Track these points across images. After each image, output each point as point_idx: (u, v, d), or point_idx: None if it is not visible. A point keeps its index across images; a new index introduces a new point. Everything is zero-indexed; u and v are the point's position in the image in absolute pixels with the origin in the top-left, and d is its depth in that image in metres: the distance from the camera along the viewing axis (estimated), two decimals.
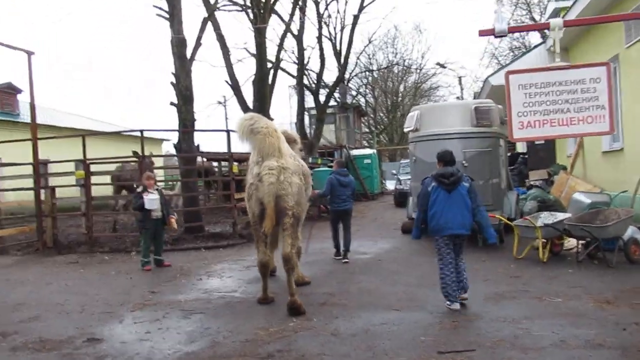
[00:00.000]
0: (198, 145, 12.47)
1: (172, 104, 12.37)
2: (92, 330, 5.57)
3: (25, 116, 24.58)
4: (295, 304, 5.90)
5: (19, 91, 24.49)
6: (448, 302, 5.83)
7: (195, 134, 12.76)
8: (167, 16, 12.39)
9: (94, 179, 11.59)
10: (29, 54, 11.53)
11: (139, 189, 9.29)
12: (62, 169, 13.22)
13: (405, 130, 11.18)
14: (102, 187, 15.39)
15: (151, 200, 8.96)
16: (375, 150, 27.17)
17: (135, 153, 12.19)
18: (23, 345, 5.14)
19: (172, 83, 12.36)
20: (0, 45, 11.10)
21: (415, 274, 7.82)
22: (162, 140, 29.72)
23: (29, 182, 11.66)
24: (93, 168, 11.49)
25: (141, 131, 11.47)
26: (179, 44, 12.25)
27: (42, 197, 11.51)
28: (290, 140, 7.85)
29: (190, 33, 19.64)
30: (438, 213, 5.86)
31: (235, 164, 12.16)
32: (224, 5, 16.52)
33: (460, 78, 36.62)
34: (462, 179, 5.95)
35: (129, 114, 67.50)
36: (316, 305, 6.21)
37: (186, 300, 6.76)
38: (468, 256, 8.73)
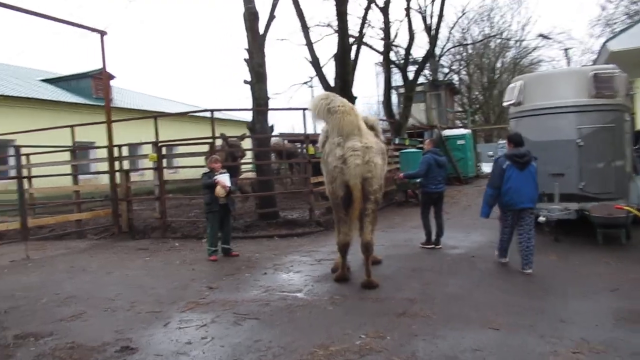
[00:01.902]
0: (272, 126, 11.65)
1: (245, 82, 11.62)
2: (130, 336, 4.84)
3: (118, 101, 25.36)
4: (371, 283, 6.13)
5: (112, 77, 25.21)
6: (497, 253, 7.10)
7: (272, 114, 11.96)
8: None
9: (183, 162, 11.06)
10: (102, 34, 11.25)
11: (207, 172, 8.64)
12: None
13: (505, 104, 9.54)
14: (191, 170, 15.00)
15: (223, 176, 8.28)
16: (469, 131, 25.03)
17: (222, 134, 11.69)
18: (50, 352, 4.50)
19: (245, 59, 11.59)
20: (73, 26, 10.86)
21: (518, 278, 6.40)
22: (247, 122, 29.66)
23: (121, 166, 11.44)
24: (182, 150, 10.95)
25: (211, 111, 10.81)
26: (250, 17, 11.41)
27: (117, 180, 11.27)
28: (367, 127, 7.12)
29: (263, 6, 18.86)
30: (512, 189, 6.51)
31: (312, 145, 11.17)
32: None
33: (566, 50, 33.10)
34: (532, 159, 6.66)
35: (221, 97, 69.00)
36: (392, 316, 5.07)
37: (243, 300, 5.89)
38: (587, 256, 7.24)
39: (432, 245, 8.49)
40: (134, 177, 18.43)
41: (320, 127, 7.11)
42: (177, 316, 5.42)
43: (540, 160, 8.31)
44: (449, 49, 34.46)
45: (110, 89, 24.78)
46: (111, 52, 62.15)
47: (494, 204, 6.79)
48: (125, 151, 12.02)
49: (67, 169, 12.32)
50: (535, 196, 6.65)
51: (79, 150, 12.64)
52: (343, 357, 4.11)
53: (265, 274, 7.24)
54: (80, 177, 13.92)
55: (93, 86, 24.22)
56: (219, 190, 8.24)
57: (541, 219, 8.01)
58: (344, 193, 6.21)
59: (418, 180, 9.18)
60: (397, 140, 17.73)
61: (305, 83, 31.85)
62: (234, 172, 12.12)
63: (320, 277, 6.87)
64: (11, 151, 16.13)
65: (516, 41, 40.18)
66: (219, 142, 11.64)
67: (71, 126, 11.97)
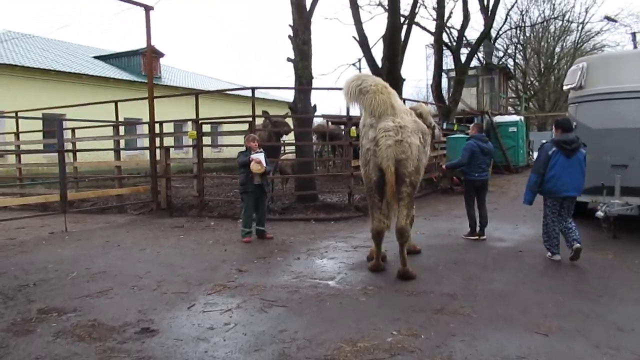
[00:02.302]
0: (315, 106, 11.29)
1: (289, 59, 11.28)
2: (152, 317, 4.67)
3: (166, 79, 25.62)
4: (407, 273, 5.78)
5: (161, 55, 25.46)
6: (549, 254, 6.58)
7: (317, 95, 11.62)
8: None
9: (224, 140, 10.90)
10: (147, 8, 11.12)
11: (243, 150, 8.43)
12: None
13: (565, 87, 8.84)
14: (233, 149, 14.85)
15: (258, 155, 8.05)
16: (522, 118, 23.92)
17: (264, 112, 11.49)
18: (70, 330, 4.37)
19: (289, 36, 11.24)
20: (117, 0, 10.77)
21: (570, 277, 5.86)
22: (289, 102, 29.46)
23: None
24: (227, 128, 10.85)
25: (252, 89, 10.55)
26: None
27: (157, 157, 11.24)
28: (418, 116, 6.79)
29: None
30: (556, 176, 6.31)
31: (354, 128, 10.76)
32: None
33: (634, 34, 31.01)
34: (580, 146, 6.39)
35: (265, 76, 68.81)
36: (428, 312, 4.68)
37: (272, 286, 5.63)
38: None
39: (476, 237, 8.02)
40: (178, 154, 18.63)
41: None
42: (202, 299, 5.22)
43: (601, 149, 7.67)
44: (505, 31, 33.10)
45: (157, 65, 25.11)
46: (161, 30, 63.28)
47: (538, 191, 6.54)
48: (168, 128, 11.95)
49: (112, 144, 12.39)
50: (582, 185, 6.43)
51: (124, 126, 12.54)
52: (371, 355, 3.77)
53: (298, 258, 6.97)
54: (126, 152, 14.05)
55: (143, 63, 24.51)
56: (254, 166, 7.98)
57: (599, 213, 7.37)
58: (377, 177, 5.85)
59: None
60: (444, 125, 17.03)
61: (353, 64, 31.25)
62: (275, 152, 11.90)
63: (355, 265, 6.54)
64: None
65: (579, 24, 37.94)
66: (260, 120, 11.40)
67: (115, 102, 12.01)
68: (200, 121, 10.74)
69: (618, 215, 7.43)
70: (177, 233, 8.94)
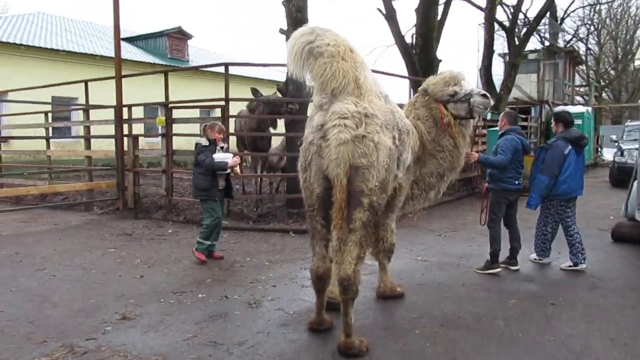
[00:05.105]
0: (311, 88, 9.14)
1: (281, 31, 9.20)
2: None
3: (194, 62, 24.16)
4: (351, 349, 3.64)
5: (189, 37, 24.04)
6: (536, 256, 6.24)
7: None
8: None
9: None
10: None
11: (203, 143, 6.33)
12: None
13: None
14: None
15: (225, 155, 6.24)
16: (590, 109, 20.63)
17: (254, 91, 9.46)
18: None
19: (282, 2, 9.15)
20: None
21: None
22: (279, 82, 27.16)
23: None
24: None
25: (226, 65, 8.55)
26: None
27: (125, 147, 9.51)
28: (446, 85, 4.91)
29: None
30: (571, 176, 5.82)
31: None
32: None
33: None
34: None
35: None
36: None
37: (139, 355, 3.65)
38: None
39: (497, 269, 5.73)
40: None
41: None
42: None
43: None
44: (575, 10, 29.27)
45: (185, 47, 23.78)
46: (193, 11, 61.95)
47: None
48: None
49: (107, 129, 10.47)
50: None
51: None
52: None
53: (225, 297, 4.94)
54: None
55: (168, 45, 23.13)
56: (237, 171, 6.33)
57: None
58: (322, 189, 3.67)
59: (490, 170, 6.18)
60: (489, 116, 14.34)
61: (390, 46, 28.53)
62: (265, 145, 9.93)
63: (295, 315, 4.44)
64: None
65: None
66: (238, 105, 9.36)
67: (85, 81, 10.33)
68: (170, 105, 8.85)
69: None
70: (115, 244, 7.13)
